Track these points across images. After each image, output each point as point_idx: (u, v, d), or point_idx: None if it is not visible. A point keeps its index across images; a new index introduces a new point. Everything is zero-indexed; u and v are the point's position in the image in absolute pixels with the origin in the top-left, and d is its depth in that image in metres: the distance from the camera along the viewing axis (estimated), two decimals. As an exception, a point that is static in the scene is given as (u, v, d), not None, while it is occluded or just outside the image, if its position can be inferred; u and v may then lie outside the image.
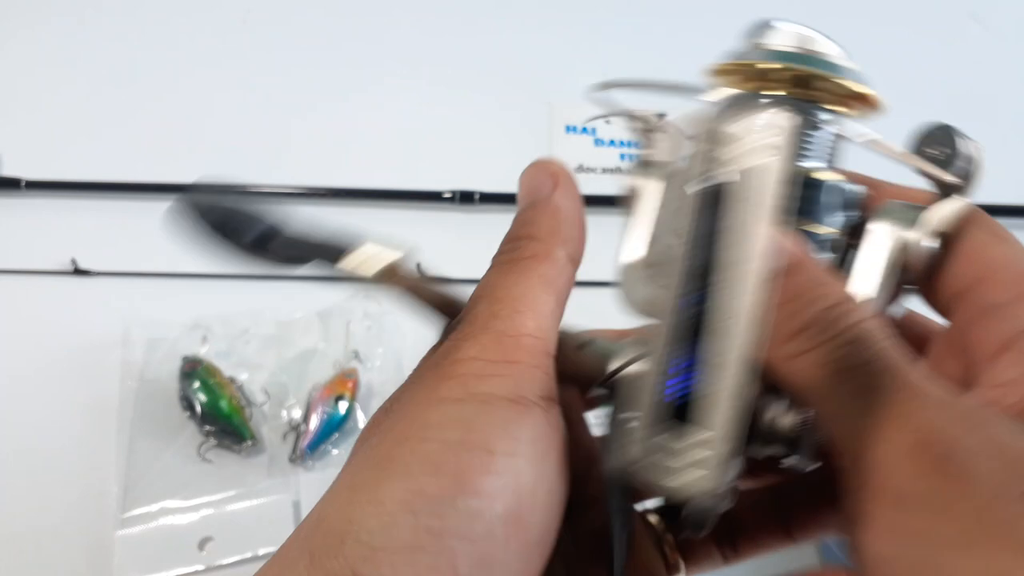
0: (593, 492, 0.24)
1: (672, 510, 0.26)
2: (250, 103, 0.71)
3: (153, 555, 0.44)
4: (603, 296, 0.59)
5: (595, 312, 0.59)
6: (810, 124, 0.24)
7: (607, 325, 0.58)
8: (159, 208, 0.69)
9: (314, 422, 0.48)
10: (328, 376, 0.50)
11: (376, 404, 0.50)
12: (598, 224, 0.67)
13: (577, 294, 0.62)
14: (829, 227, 0.24)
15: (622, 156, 0.67)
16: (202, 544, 0.45)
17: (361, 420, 0.50)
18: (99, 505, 0.46)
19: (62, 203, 0.62)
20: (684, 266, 0.23)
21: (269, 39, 0.78)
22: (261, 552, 0.44)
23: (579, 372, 0.25)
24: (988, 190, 0.68)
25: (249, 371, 0.51)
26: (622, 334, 0.28)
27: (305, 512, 0.46)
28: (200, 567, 0.44)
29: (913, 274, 0.23)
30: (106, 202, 0.62)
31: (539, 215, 0.26)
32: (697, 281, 0.22)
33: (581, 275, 0.62)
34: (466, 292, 0.57)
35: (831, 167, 0.25)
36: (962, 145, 0.24)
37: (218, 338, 0.52)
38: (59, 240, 0.59)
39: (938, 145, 0.24)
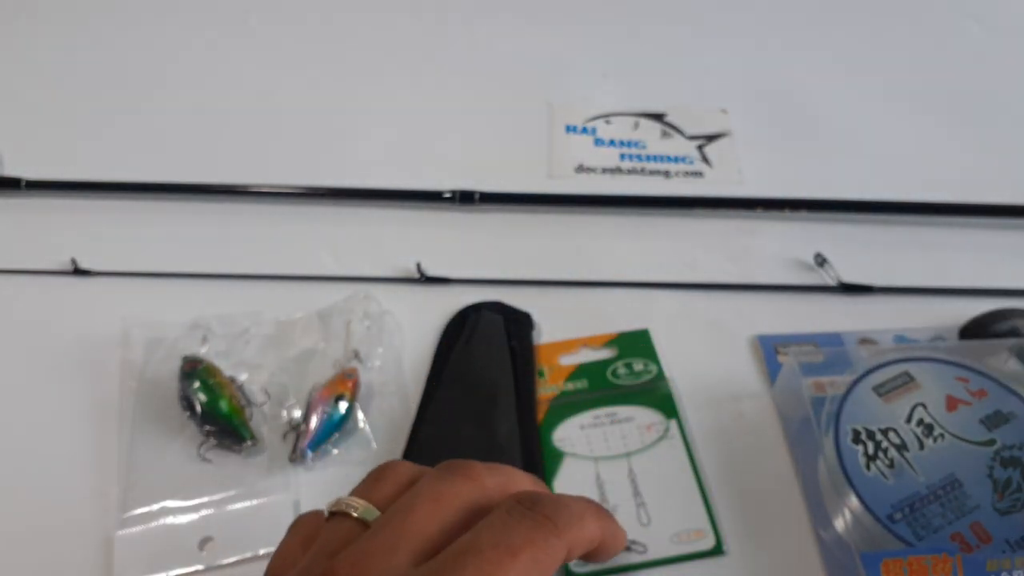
0: None
1: None
2: (250, 103, 0.72)
3: (153, 555, 0.44)
4: (603, 296, 0.60)
5: (596, 312, 0.59)
6: None
7: (606, 325, 0.58)
8: (159, 208, 0.70)
9: (314, 422, 0.48)
10: (328, 376, 0.50)
11: (376, 404, 0.51)
12: (597, 224, 0.68)
13: (579, 294, 0.62)
14: None
15: (622, 156, 0.67)
16: (202, 544, 0.45)
17: (361, 420, 0.49)
18: (99, 505, 0.46)
19: (62, 203, 0.62)
20: None
21: (269, 40, 0.78)
22: (261, 552, 0.44)
23: None
24: (988, 190, 0.68)
25: (249, 371, 0.51)
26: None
27: (305, 511, 0.46)
28: (200, 567, 0.44)
29: None
30: (106, 202, 0.62)
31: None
32: None
33: (581, 275, 0.63)
34: (469, 295, 0.56)
35: None
36: None
37: (218, 338, 0.52)
38: (59, 240, 0.59)
39: None
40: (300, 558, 0.29)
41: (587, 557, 0.31)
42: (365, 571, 0.26)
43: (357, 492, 0.31)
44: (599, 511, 0.31)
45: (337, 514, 0.30)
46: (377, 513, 0.29)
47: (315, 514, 0.32)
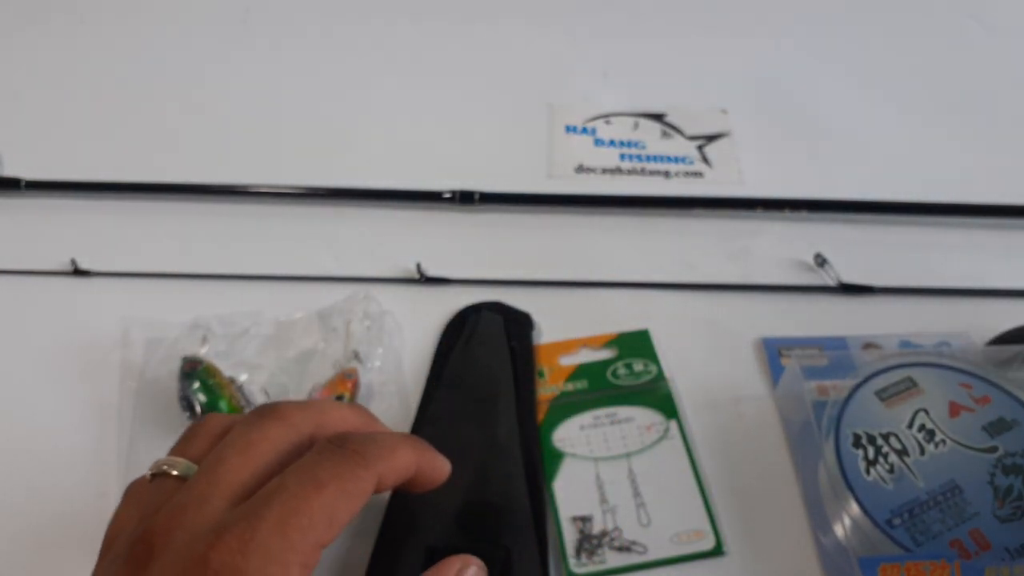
0: None
1: None
2: (249, 103, 0.71)
3: (153, 556, 0.44)
4: (603, 296, 0.60)
5: (595, 312, 0.59)
6: None
7: (606, 325, 0.58)
8: (159, 208, 0.70)
9: (314, 422, 0.48)
10: (328, 376, 0.50)
11: (376, 404, 0.51)
12: (597, 224, 0.68)
13: (579, 294, 0.62)
14: None
15: (622, 156, 0.67)
16: (202, 544, 0.45)
17: (361, 420, 0.49)
18: (99, 505, 0.46)
19: (62, 203, 0.62)
20: None
21: (269, 39, 0.78)
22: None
23: None
24: (988, 190, 0.68)
25: (249, 371, 0.51)
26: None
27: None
28: (200, 567, 0.44)
29: None
30: (106, 202, 0.62)
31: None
32: None
33: (581, 275, 0.63)
34: (469, 295, 0.56)
35: None
36: None
37: (218, 338, 0.52)
38: (59, 240, 0.59)
39: None
40: (130, 523, 0.31)
41: (408, 487, 0.33)
42: (180, 522, 0.27)
43: (174, 451, 0.33)
44: (415, 442, 0.33)
45: (158, 475, 0.31)
46: (195, 468, 0.31)
47: (143, 479, 0.33)
